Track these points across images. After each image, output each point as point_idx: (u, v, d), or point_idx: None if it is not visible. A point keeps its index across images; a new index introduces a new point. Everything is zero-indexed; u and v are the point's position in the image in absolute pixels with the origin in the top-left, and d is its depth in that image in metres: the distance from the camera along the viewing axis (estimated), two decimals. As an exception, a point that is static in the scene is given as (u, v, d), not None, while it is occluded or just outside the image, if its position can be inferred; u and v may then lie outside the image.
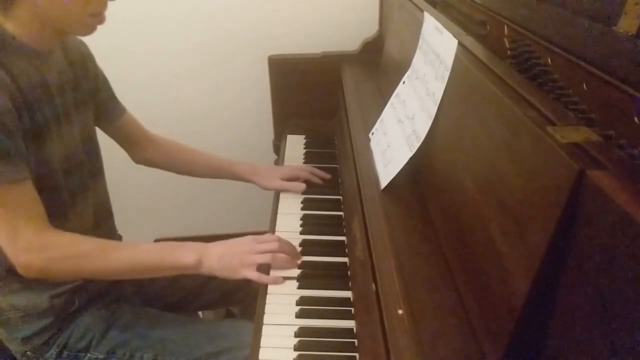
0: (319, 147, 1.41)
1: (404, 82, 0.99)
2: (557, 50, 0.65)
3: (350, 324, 0.81)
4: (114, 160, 1.16)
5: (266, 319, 0.82)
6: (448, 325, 0.61)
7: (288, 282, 0.90)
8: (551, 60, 0.67)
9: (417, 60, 0.95)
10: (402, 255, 0.72)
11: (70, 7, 0.80)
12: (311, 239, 1.02)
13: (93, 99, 1.04)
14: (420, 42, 0.94)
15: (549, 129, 0.50)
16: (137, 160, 1.21)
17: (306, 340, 0.78)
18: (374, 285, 0.71)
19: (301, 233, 1.04)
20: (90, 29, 0.86)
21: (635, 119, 0.50)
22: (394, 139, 0.93)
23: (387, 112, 1.02)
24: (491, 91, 0.63)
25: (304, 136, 1.47)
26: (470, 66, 0.72)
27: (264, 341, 0.78)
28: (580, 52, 0.61)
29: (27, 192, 0.81)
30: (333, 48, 1.52)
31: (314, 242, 1.01)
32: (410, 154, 0.84)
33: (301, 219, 1.08)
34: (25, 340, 0.94)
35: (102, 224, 1.06)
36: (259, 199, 1.48)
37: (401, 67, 1.03)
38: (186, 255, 0.88)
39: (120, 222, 1.16)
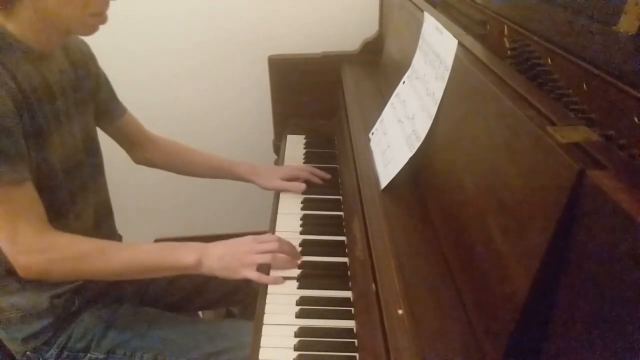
0: (319, 147, 1.41)
1: (404, 82, 0.99)
2: (557, 50, 0.65)
3: (350, 324, 0.81)
4: (114, 160, 1.16)
5: (266, 319, 0.82)
6: (448, 325, 0.61)
7: (288, 282, 0.90)
8: (551, 60, 0.67)
9: (417, 60, 0.95)
10: (402, 255, 0.72)
11: (71, 7, 0.80)
12: (311, 239, 1.02)
13: (94, 99, 1.04)
14: (420, 42, 0.94)
15: (549, 129, 0.50)
16: (137, 161, 1.21)
17: (306, 340, 0.78)
18: (374, 285, 0.71)
19: (301, 233, 1.04)
20: (91, 29, 0.85)
21: (635, 119, 0.50)
22: (394, 139, 0.93)
23: (387, 112, 1.02)
24: (491, 91, 0.63)
25: (304, 136, 1.47)
26: (470, 66, 0.71)
27: (264, 341, 0.78)
28: (580, 52, 0.61)
29: (27, 193, 0.81)
30: (333, 48, 1.52)
31: (314, 242, 1.01)
32: (410, 154, 0.84)
33: (301, 219, 1.08)
34: (26, 340, 0.94)
35: (102, 224, 1.06)
36: (259, 199, 1.48)
37: (401, 67, 1.03)
38: (186, 255, 0.88)
39: (120, 222, 1.16)
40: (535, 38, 0.71)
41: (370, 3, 1.53)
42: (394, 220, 0.80)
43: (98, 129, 1.08)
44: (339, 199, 1.15)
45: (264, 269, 0.90)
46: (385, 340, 0.62)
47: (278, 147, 1.50)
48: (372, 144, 1.02)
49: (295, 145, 1.43)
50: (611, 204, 0.40)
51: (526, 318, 0.49)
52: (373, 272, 0.73)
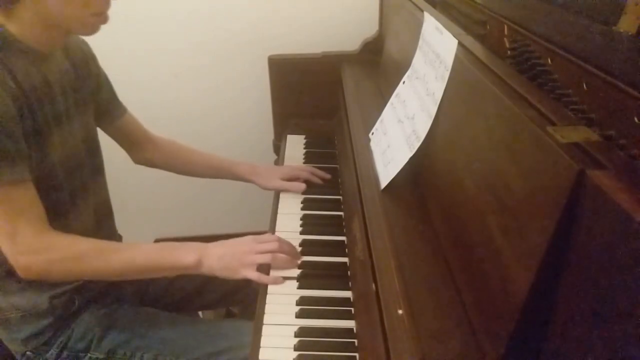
0: (319, 147, 1.41)
1: (404, 82, 0.99)
2: (557, 50, 0.65)
3: (350, 324, 0.81)
4: (114, 160, 1.16)
5: (266, 319, 0.82)
6: (448, 325, 0.61)
7: (288, 282, 0.90)
8: (551, 60, 0.67)
9: (417, 60, 0.95)
10: (402, 255, 0.72)
11: (72, 7, 0.80)
12: (311, 239, 1.02)
13: (94, 98, 1.04)
14: (420, 42, 0.94)
15: (549, 129, 0.50)
16: (137, 161, 1.21)
17: (306, 340, 0.78)
18: (374, 285, 0.71)
19: (301, 233, 1.04)
20: (93, 29, 0.85)
21: (635, 119, 0.50)
22: (394, 139, 0.93)
23: (387, 112, 1.02)
24: (491, 91, 0.63)
25: (304, 136, 1.47)
26: (470, 66, 0.71)
27: (264, 341, 0.78)
28: (580, 52, 0.61)
29: (27, 194, 0.81)
30: (333, 48, 1.52)
31: (314, 242, 1.01)
32: (410, 154, 0.84)
33: (301, 219, 1.08)
34: (26, 340, 0.94)
35: (102, 224, 1.06)
36: (259, 199, 1.48)
37: (401, 67, 1.03)
38: (186, 256, 0.88)
39: (120, 222, 1.16)
40: (535, 38, 0.71)
41: (370, 3, 1.53)
42: (394, 220, 0.80)
43: (98, 129, 1.08)
44: (339, 199, 1.15)
45: (264, 269, 0.90)
46: (385, 340, 0.62)
47: (278, 147, 1.50)
48: (372, 144, 1.02)
49: (295, 145, 1.43)
50: (611, 204, 0.40)
51: (526, 318, 0.49)
52: (373, 272, 0.73)
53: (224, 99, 1.71)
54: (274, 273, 0.90)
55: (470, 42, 0.81)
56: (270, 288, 0.88)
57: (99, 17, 0.83)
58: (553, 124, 0.52)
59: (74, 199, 0.94)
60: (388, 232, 0.76)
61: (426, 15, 0.93)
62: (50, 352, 0.95)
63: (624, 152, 0.50)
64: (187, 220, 1.91)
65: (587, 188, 0.43)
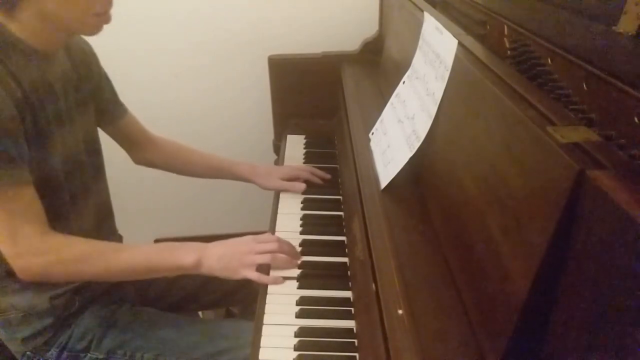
0: (319, 147, 1.41)
1: (404, 82, 0.99)
2: (557, 50, 0.65)
3: (350, 324, 0.81)
4: (114, 160, 1.16)
5: (266, 319, 0.82)
6: (448, 325, 0.61)
7: (288, 282, 0.90)
8: (551, 60, 0.67)
9: (417, 60, 0.95)
10: (402, 255, 0.72)
11: (73, 8, 0.79)
12: (311, 239, 1.02)
13: (95, 99, 1.04)
14: (420, 42, 0.94)
15: (549, 129, 0.50)
16: (137, 161, 1.21)
17: (306, 340, 0.78)
18: (374, 285, 0.71)
19: (301, 233, 1.04)
20: (95, 29, 0.84)
21: (635, 119, 0.50)
22: (394, 139, 0.93)
23: (387, 112, 1.02)
24: (491, 91, 0.63)
25: (304, 136, 1.47)
26: (470, 66, 0.72)
27: (264, 341, 0.78)
28: (580, 52, 0.61)
29: (28, 195, 0.81)
30: (333, 48, 1.52)
31: (314, 242, 1.01)
32: (410, 154, 0.84)
33: (301, 219, 1.08)
34: (26, 340, 0.94)
35: (103, 225, 1.06)
36: (259, 199, 1.48)
37: (401, 67, 1.03)
38: (186, 256, 0.88)
39: (120, 222, 1.16)
40: (535, 38, 0.71)
41: (370, 3, 1.53)
42: (394, 220, 0.80)
43: (98, 130, 1.08)
44: (339, 199, 1.15)
45: (264, 269, 0.90)
46: (385, 340, 0.62)
47: (278, 147, 1.50)
48: (372, 144, 1.02)
49: (295, 145, 1.43)
50: (611, 204, 0.40)
51: (526, 318, 0.49)
52: (373, 272, 0.73)
53: (224, 99, 1.71)
54: (274, 273, 0.90)
55: (470, 42, 0.81)
56: (270, 288, 0.88)
57: (101, 17, 0.83)
58: (553, 124, 0.52)
59: (75, 199, 0.94)
60: (388, 232, 0.76)
61: (426, 15, 0.93)
62: (50, 352, 0.95)
63: (624, 152, 0.50)
64: (187, 220, 1.91)
65: (587, 188, 0.43)
